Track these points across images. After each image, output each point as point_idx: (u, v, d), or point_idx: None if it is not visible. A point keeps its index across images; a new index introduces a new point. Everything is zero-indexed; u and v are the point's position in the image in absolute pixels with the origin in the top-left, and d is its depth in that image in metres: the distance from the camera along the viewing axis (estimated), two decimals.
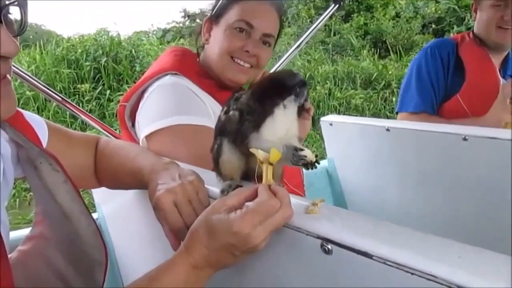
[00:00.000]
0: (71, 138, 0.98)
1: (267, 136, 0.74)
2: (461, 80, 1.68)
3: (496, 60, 1.72)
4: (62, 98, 1.51)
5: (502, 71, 1.73)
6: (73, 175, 0.80)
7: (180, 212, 0.75)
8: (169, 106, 1.10)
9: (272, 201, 0.65)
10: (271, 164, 0.71)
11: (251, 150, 0.73)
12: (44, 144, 0.86)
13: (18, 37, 0.65)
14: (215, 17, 1.20)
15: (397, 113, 1.85)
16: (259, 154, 0.71)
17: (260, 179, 0.72)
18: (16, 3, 0.61)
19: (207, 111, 1.12)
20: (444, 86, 1.72)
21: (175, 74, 1.15)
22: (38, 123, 0.87)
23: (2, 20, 0.60)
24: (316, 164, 0.72)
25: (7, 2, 0.60)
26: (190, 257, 0.66)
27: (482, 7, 1.71)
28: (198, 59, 1.26)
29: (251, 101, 0.77)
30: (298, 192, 1.24)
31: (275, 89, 0.76)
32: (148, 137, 1.09)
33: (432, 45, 1.78)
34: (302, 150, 0.73)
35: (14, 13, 0.63)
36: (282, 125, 0.75)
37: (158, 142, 1.07)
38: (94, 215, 1.39)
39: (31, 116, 0.87)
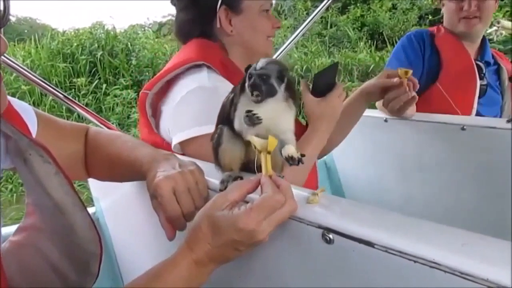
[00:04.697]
0: (60, 127, 0.95)
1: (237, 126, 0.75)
2: (438, 69, 1.72)
3: (472, 47, 1.77)
4: (58, 92, 1.50)
5: (479, 57, 1.78)
6: (62, 166, 0.78)
7: (178, 200, 0.75)
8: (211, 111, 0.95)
9: (278, 197, 0.64)
10: (269, 152, 0.71)
11: (248, 138, 0.72)
12: (34, 134, 0.84)
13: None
14: (232, 6, 1.17)
15: None
16: (256, 142, 0.70)
17: (260, 170, 0.72)
18: None
19: None
20: (419, 71, 1.75)
21: (207, 66, 1.11)
22: (27, 111, 0.85)
23: None
24: (299, 161, 0.73)
25: None
26: (193, 253, 0.66)
27: (445, 0, 1.77)
28: (219, 49, 1.21)
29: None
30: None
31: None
32: (187, 141, 1.02)
33: (410, 33, 1.84)
34: (284, 146, 0.74)
35: None
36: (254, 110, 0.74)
37: (200, 146, 0.99)
38: (92, 209, 1.38)
39: (19, 104, 0.84)
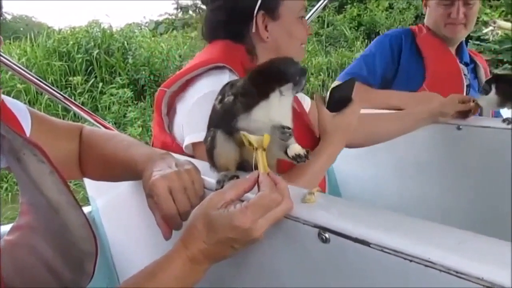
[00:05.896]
0: (55, 127, 0.95)
1: (259, 118, 0.75)
2: (421, 71, 1.71)
3: (452, 49, 1.76)
4: (54, 91, 1.49)
5: (459, 58, 1.78)
6: (57, 165, 0.78)
7: (174, 199, 0.74)
8: None
9: (275, 196, 0.64)
10: (264, 149, 0.71)
11: (241, 133, 0.72)
12: (28, 133, 0.83)
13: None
14: (270, 11, 1.13)
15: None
16: (252, 138, 0.70)
17: (257, 168, 0.72)
18: None
19: None
20: (393, 70, 1.74)
21: (229, 69, 1.08)
22: (21, 110, 0.84)
23: None
24: (305, 157, 0.74)
25: None
26: (188, 251, 0.66)
27: (430, 3, 1.76)
28: (245, 53, 1.17)
29: (247, 84, 0.78)
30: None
31: (274, 74, 0.77)
32: (199, 143, 1.01)
33: (384, 38, 1.82)
34: (289, 146, 0.75)
35: None
36: (276, 111, 0.75)
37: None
38: (88, 208, 1.38)
39: (13, 103, 0.83)
